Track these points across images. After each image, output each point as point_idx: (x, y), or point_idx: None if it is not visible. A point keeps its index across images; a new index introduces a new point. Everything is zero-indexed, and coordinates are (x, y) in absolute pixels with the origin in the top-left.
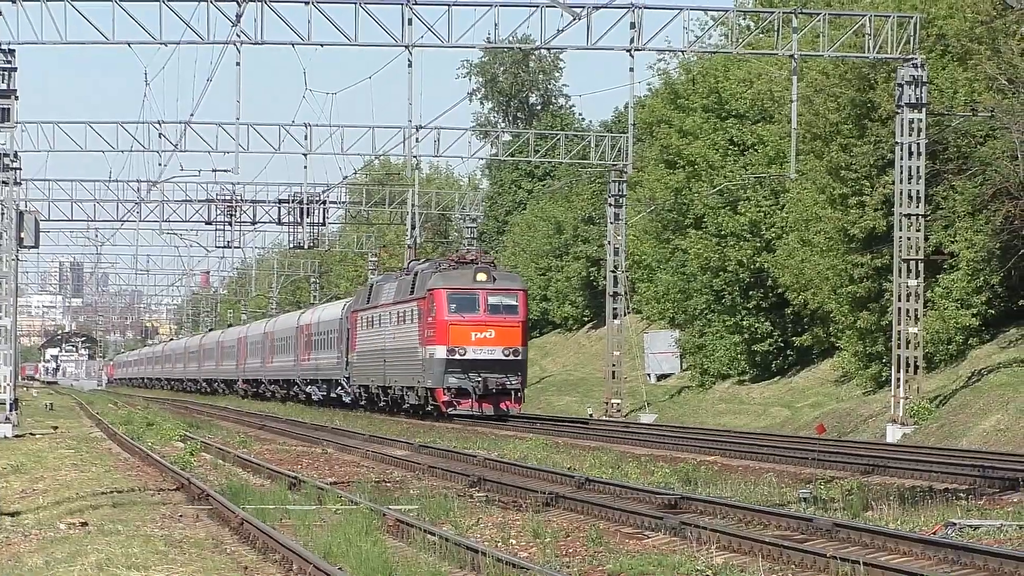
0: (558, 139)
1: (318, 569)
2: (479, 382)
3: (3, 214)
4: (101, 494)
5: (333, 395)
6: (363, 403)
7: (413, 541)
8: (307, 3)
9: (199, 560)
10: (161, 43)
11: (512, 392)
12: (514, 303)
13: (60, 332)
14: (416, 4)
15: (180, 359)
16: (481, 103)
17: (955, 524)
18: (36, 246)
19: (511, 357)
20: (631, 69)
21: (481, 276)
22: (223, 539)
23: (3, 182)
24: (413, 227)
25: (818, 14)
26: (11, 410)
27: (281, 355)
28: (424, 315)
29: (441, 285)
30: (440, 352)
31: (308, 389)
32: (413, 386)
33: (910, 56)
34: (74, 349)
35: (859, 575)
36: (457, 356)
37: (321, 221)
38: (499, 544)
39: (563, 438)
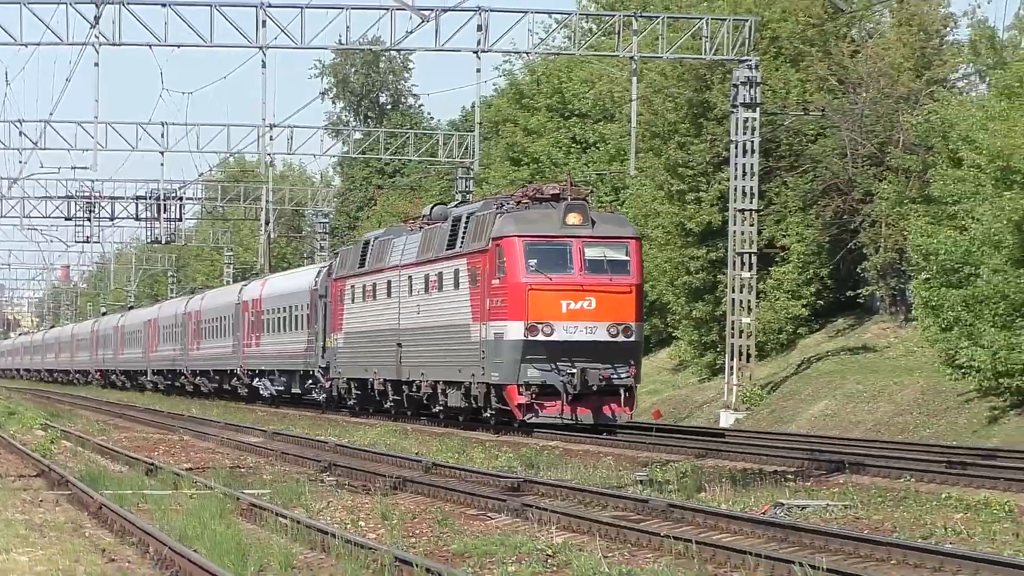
0: (407, 137)
1: (173, 551)
2: (573, 375)
3: None
4: None
5: (297, 390)
6: (352, 402)
7: (266, 524)
8: (164, 5)
9: (59, 543)
10: (21, 44)
11: (621, 390)
12: (624, 257)
13: None
14: (269, 7)
15: (66, 347)
16: (333, 102)
17: (784, 504)
18: None
19: (620, 338)
20: (478, 70)
21: (574, 217)
22: (82, 523)
23: None
24: (267, 222)
25: (657, 17)
26: None
27: (213, 340)
28: (485, 276)
29: (514, 231)
30: (515, 331)
31: (256, 383)
32: (461, 381)
33: (745, 58)
34: None
35: (692, 553)
36: (541, 337)
37: (178, 217)
38: (348, 526)
39: (412, 425)
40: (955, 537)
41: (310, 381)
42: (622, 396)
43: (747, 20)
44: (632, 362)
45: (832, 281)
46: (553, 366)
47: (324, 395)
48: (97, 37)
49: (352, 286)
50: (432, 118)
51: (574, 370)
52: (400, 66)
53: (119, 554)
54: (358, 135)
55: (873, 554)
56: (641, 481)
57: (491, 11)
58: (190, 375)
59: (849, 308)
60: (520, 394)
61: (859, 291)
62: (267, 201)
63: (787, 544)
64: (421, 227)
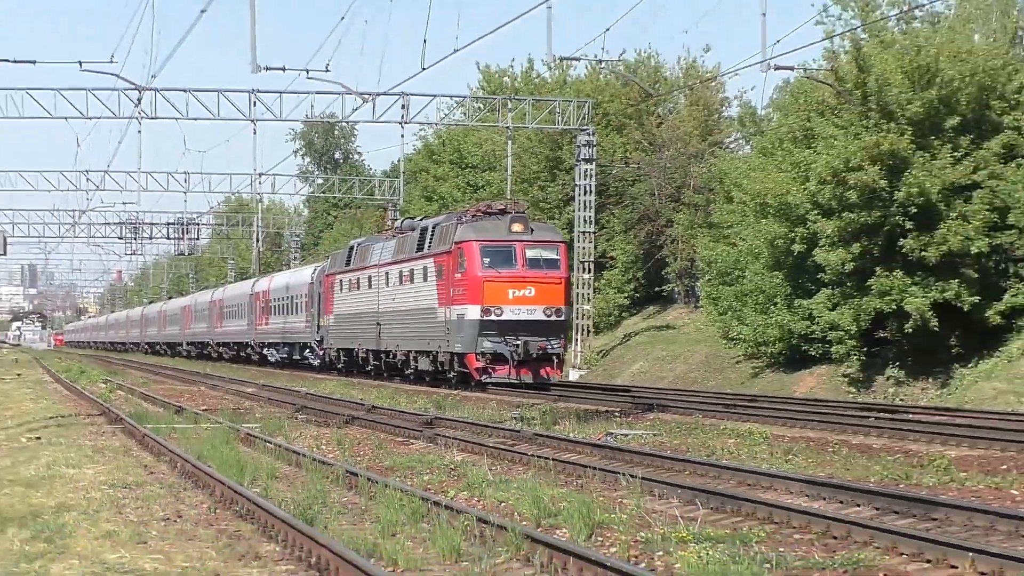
0: (354, 182)
1: (193, 466)
2: (518, 346)
3: None
4: (50, 418)
5: (297, 357)
6: (340, 366)
7: (257, 448)
8: (185, 91)
9: (115, 461)
10: (87, 117)
11: (553, 357)
12: (555, 256)
13: (22, 312)
14: (258, 92)
15: (122, 327)
16: (302, 158)
17: (613, 434)
18: (4, 254)
19: (553, 318)
20: (402, 135)
21: (517, 227)
22: (131, 447)
23: None
24: (257, 240)
25: (524, 99)
26: None
27: (232, 320)
28: (449, 271)
29: (472, 237)
30: (473, 312)
31: (265, 352)
32: (429, 351)
33: (585, 127)
34: (32, 322)
35: (550, 467)
36: (493, 317)
37: (196, 237)
38: (314, 448)
39: (358, 379)
40: (730, 456)
41: (308, 351)
42: (554, 362)
43: (587, 101)
44: (561, 336)
45: (645, 280)
46: (503, 339)
47: (318, 360)
48: (140, 113)
49: (340, 280)
50: (371, 168)
51: (518, 342)
52: (348, 132)
53: (156, 468)
54: (320, 180)
55: (673, 467)
56: (515, 418)
57: (410, 95)
58: (215, 346)
59: (657, 299)
60: (477, 360)
61: (663, 287)
62: (257, 226)
63: (615, 460)
64: (394, 235)
